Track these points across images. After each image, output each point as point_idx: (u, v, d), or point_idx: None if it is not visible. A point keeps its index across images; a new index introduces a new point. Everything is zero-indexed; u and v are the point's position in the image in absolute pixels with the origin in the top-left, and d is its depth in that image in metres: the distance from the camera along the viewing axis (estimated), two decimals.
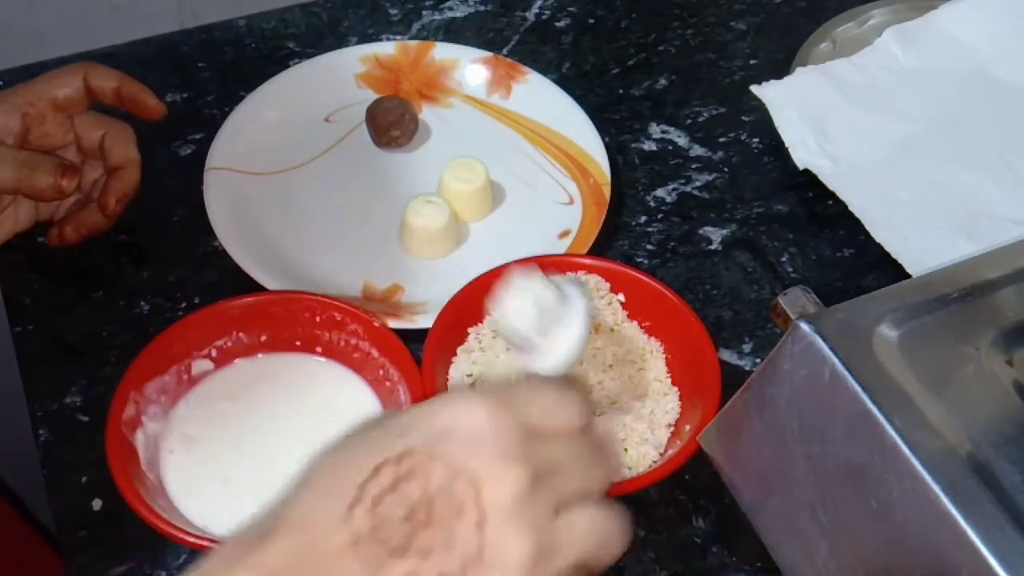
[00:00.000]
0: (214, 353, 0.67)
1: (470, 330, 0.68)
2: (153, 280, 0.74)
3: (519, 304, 0.54)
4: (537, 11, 0.93)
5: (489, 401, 0.44)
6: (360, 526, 0.41)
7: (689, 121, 0.85)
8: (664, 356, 0.68)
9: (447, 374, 0.67)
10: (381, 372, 0.66)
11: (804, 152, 0.80)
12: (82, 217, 0.73)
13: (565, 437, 0.45)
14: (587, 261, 0.70)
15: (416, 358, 0.65)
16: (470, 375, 0.67)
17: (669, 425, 0.65)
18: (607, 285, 0.70)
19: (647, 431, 0.64)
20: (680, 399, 0.66)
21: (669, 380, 0.67)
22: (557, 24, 0.92)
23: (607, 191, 0.77)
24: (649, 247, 0.77)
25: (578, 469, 0.45)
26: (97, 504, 0.63)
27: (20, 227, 0.73)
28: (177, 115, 0.81)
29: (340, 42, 0.89)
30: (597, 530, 0.45)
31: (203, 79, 0.87)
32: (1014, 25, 0.86)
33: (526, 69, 0.85)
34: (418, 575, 0.41)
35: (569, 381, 0.49)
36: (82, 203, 0.74)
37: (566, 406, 0.46)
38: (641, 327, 0.69)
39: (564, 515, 0.44)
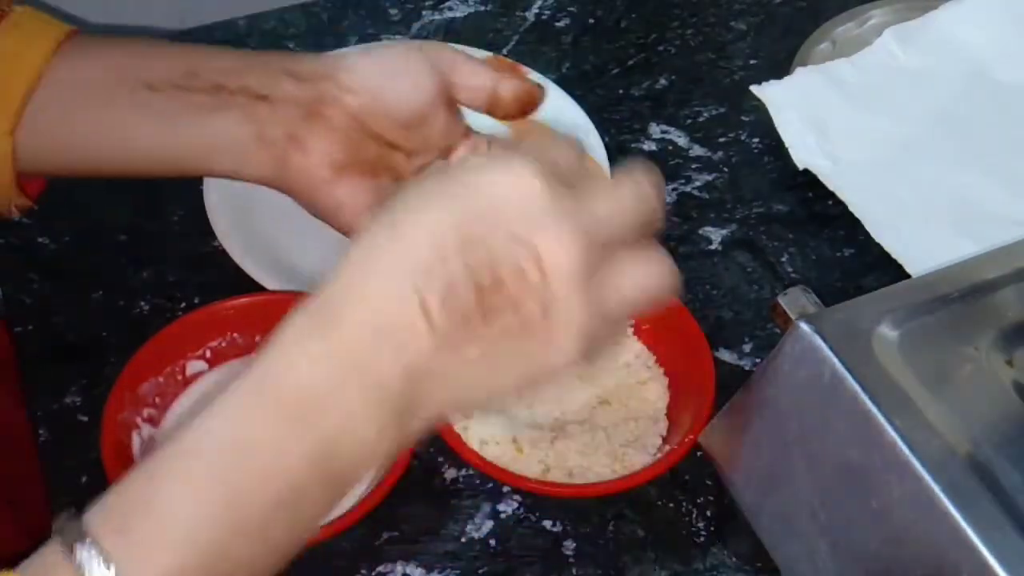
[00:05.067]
0: (208, 354, 0.67)
1: None
2: (153, 280, 0.74)
3: None
4: (537, 11, 0.93)
5: (541, 169, 0.44)
6: (434, 313, 0.42)
7: (689, 121, 0.85)
8: (659, 355, 0.68)
9: None
10: None
11: (804, 152, 0.80)
12: None
13: (605, 190, 0.46)
14: None
15: None
16: None
17: (663, 424, 0.65)
18: None
19: (641, 430, 0.64)
20: (675, 398, 0.66)
21: (665, 380, 0.67)
22: (557, 24, 0.92)
23: None
24: None
25: (623, 220, 0.45)
26: None
27: None
28: None
29: (340, 42, 0.89)
30: (649, 276, 0.46)
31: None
32: (1014, 25, 0.86)
33: (526, 69, 0.85)
34: (488, 339, 0.43)
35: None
36: None
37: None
38: (639, 326, 0.69)
39: (617, 267, 0.45)
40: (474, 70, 0.62)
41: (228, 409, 0.42)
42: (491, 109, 0.62)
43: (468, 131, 0.64)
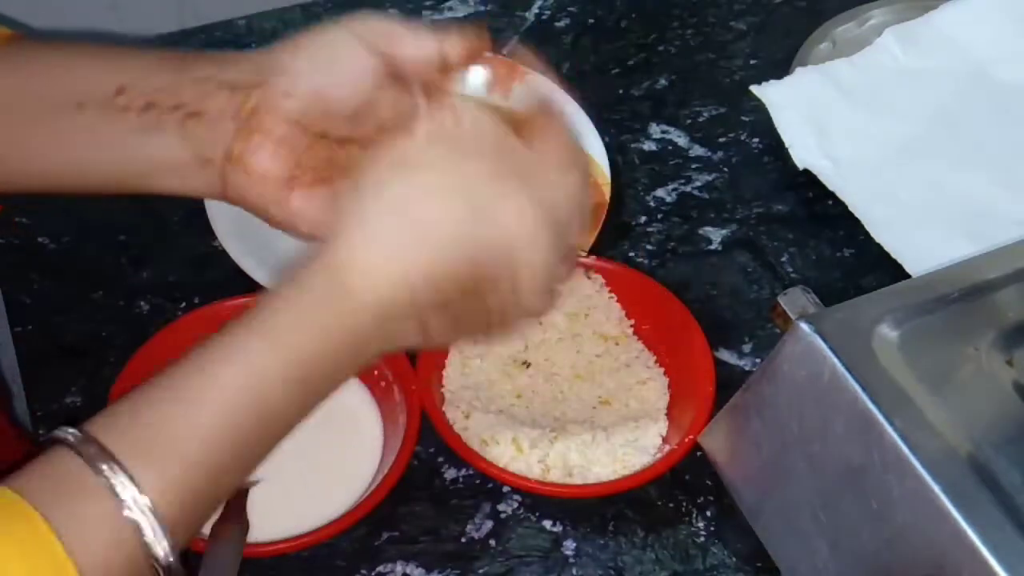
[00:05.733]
0: None
1: None
2: (153, 280, 0.74)
3: None
4: (537, 11, 0.93)
5: (538, 212, 0.50)
6: (422, 297, 0.49)
7: (689, 121, 0.85)
8: (659, 355, 0.68)
9: (442, 373, 0.67)
10: (376, 371, 0.66)
11: (804, 152, 0.80)
12: None
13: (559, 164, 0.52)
14: (587, 261, 0.70)
15: (411, 357, 0.65)
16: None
17: (663, 424, 0.65)
18: (600, 280, 0.70)
19: (641, 430, 0.64)
20: (675, 398, 0.66)
21: (665, 380, 0.67)
22: (557, 24, 0.92)
23: (607, 191, 0.77)
24: (649, 247, 0.77)
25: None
26: None
27: None
28: None
29: None
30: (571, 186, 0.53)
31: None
32: (1014, 25, 0.86)
33: (526, 69, 0.85)
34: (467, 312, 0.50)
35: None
36: None
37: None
38: (639, 326, 0.69)
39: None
40: (415, 39, 0.58)
41: (238, 360, 0.46)
42: (446, 72, 0.59)
43: (425, 97, 0.59)
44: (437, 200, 0.49)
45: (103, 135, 0.59)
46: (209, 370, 0.46)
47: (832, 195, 0.78)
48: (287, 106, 0.57)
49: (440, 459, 0.66)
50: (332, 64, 0.57)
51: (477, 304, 0.50)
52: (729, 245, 0.78)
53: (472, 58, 0.60)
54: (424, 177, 0.50)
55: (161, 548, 0.42)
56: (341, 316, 0.48)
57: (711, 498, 0.65)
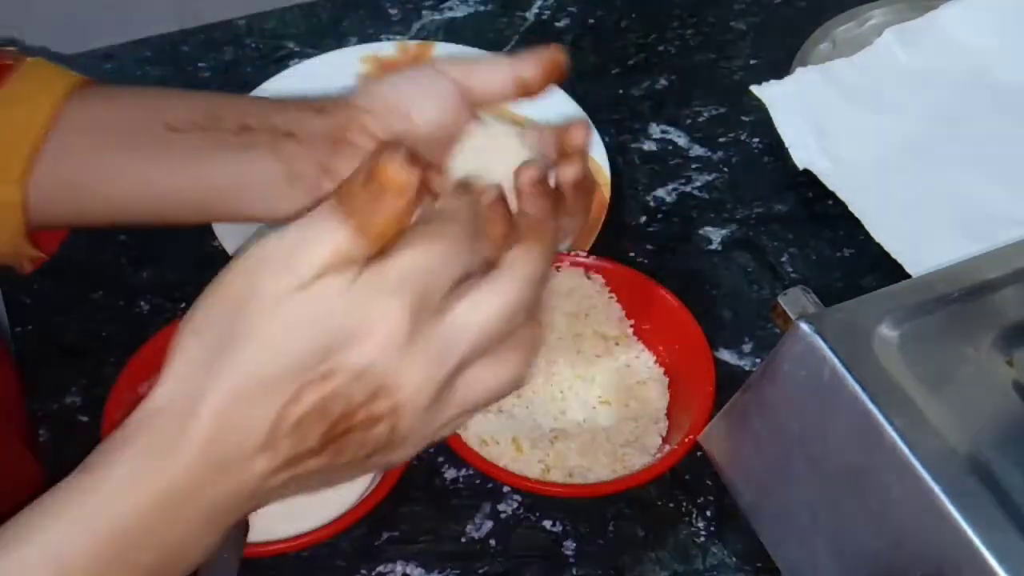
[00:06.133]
0: None
1: None
2: (153, 280, 0.74)
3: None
4: (537, 11, 0.93)
5: (409, 308, 0.42)
6: (280, 446, 0.42)
7: (689, 121, 0.85)
8: (659, 355, 0.68)
9: None
10: None
11: (804, 152, 0.80)
12: None
13: (475, 302, 0.44)
14: (587, 261, 0.70)
15: None
16: None
17: (663, 424, 0.65)
18: (600, 280, 0.70)
19: (641, 430, 0.64)
20: (675, 398, 0.66)
21: (665, 380, 0.67)
22: (557, 24, 0.92)
23: (607, 191, 0.77)
24: (649, 247, 0.77)
25: (489, 330, 0.45)
26: None
27: None
28: None
29: (340, 42, 0.89)
30: (499, 381, 0.47)
31: (203, 79, 0.87)
32: (1014, 25, 0.86)
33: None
34: (329, 467, 0.44)
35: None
36: None
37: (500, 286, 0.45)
38: (639, 326, 0.69)
39: (472, 374, 0.45)
40: (489, 67, 0.60)
41: (49, 529, 0.41)
42: (524, 94, 0.60)
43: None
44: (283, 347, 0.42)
45: (197, 155, 0.60)
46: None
47: (832, 195, 0.78)
48: (373, 124, 0.59)
49: (440, 459, 0.66)
50: (414, 92, 0.59)
51: (347, 448, 0.44)
52: (729, 245, 0.78)
53: (551, 82, 0.60)
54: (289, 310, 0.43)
55: None
56: (153, 472, 0.42)
57: (711, 498, 0.65)
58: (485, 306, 0.45)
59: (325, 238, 0.42)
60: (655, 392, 0.67)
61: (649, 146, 0.84)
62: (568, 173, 0.57)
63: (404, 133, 0.59)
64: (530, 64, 0.59)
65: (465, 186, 0.48)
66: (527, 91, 0.60)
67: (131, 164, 0.61)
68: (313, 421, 0.42)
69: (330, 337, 0.42)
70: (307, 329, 0.42)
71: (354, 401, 0.43)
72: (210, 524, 0.43)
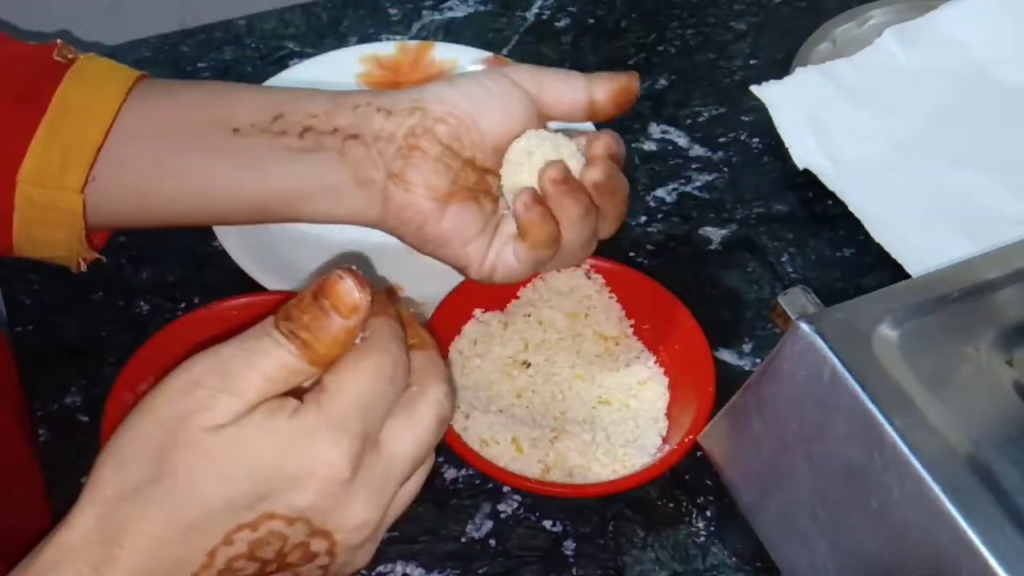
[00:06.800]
0: None
1: (464, 328, 0.68)
2: (153, 280, 0.74)
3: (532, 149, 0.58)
4: (537, 11, 0.93)
5: (350, 449, 0.42)
6: (210, 568, 0.41)
7: (689, 121, 0.85)
8: (659, 355, 0.68)
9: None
10: None
11: (804, 152, 0.80)
12: None
13: (409, 428, 0.45)
14: (587, 261, 0.70)
15: None
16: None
17: (663, 424, 0.65)
18: (600, 280, 0.70)
19: (641, 430, 0.64)
20: (675, 398, 0.66)
21: (665, 380, 0.67)
22: (557, 24, 0.92)
23: None
24: (649, 247, 0.77)
25: (424, 451, 0.46)
26: None
27: None
28: None
29: (340, 42, 0.89)
30: (420, 485, 0.48)
31: (203, 79, 0.87)
32: (1014, 25, 0.86)
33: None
34: None
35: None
36: None
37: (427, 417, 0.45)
38: (639, 326, 0.69)
39: (401, 491, 0.46)
40: (563, 83, 0.60)
41: None
42: (591, 117, 0.61)
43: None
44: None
45: (259, 159, 0.59)
46: None
47: (832, 195, 0.78)
48: (441, 129, 0.58)
49: (440, 459, 0.66)
50: (484, 98, 0.59)
51: None
52: (729, 245, 0.78)
53: (621, 111, 0.61)
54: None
55: None
56: None
57: (711, 498, 0.65)
58: (418, 427, 0.44)
59: (268, 355, 0.41)
60: (655, 392, 0.67)
61: (649, 146, 0.84)
62: (591, 174, 0.58)
63: (471, 144, 0.59)
64: (605, 86, 0.60)
65: (391, 293, 0.48)
66: (596, 115, 0.61)
67: (188, 168, 0.60)
68: (246, 561, 0.41)
69: (265, 480, 0.41)
70: (240, 470, 0.40)
71: (290, 542, 0.42)
72: None
